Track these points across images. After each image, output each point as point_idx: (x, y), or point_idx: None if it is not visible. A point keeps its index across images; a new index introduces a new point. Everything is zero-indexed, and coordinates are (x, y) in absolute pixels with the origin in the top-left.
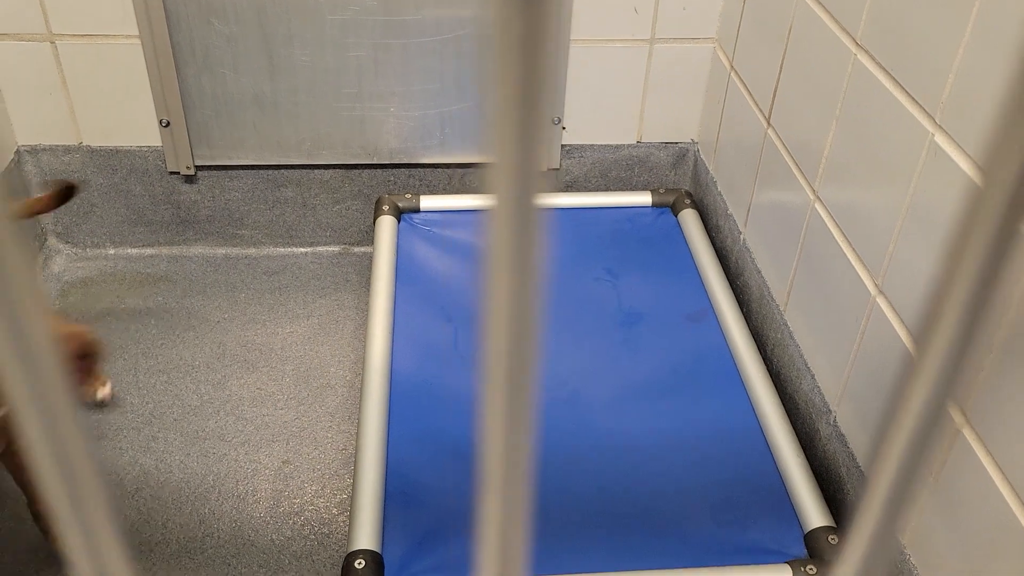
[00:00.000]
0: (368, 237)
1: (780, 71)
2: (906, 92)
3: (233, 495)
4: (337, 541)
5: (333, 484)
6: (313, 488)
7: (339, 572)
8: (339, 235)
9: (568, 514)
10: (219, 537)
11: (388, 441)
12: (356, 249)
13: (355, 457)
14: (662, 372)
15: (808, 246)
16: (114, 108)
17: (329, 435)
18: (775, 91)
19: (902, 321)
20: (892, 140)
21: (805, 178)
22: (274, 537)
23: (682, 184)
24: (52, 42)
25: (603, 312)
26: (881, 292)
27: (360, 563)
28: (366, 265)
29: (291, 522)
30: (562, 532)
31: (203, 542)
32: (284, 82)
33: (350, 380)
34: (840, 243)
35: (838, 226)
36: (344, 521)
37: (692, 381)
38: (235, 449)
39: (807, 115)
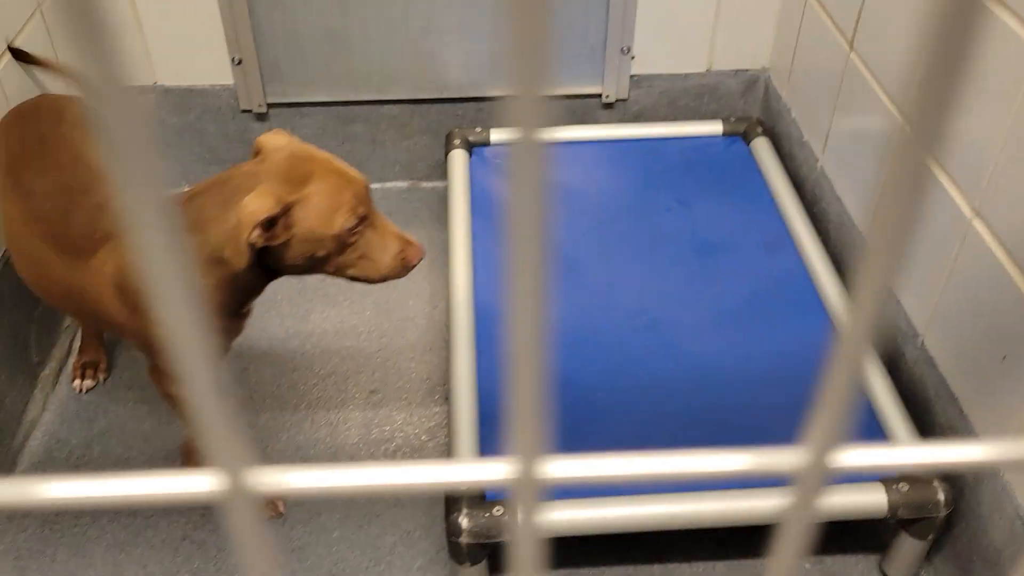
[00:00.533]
0: (436, 172)
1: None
2: (1010, 9)
3: (326, 423)
4: None
5: (420, 412)
6: (402, 416)
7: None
8: (407, 170)
9: (654, 438)
10: (314, 463)
11: (478, 369)
12: (424, 184)
13: (449, 385)
14: (741, 299)
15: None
16: (187, 47)
17: (413, 365)
18: (859, 13)
19: (1002, 244)
20: (994, 57)
21: (894, 102)
22: (368, 462)
23: (752, 112)
24: None
25: (677, 242)
26: (978, 215)
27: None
28: (435, 200)
29: (383, 448)
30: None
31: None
32: (355, 16)
33: (428, 312)
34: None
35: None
36: (434, 447)
37: (772, 307)
38: (323, 380)
39: (897, 36)
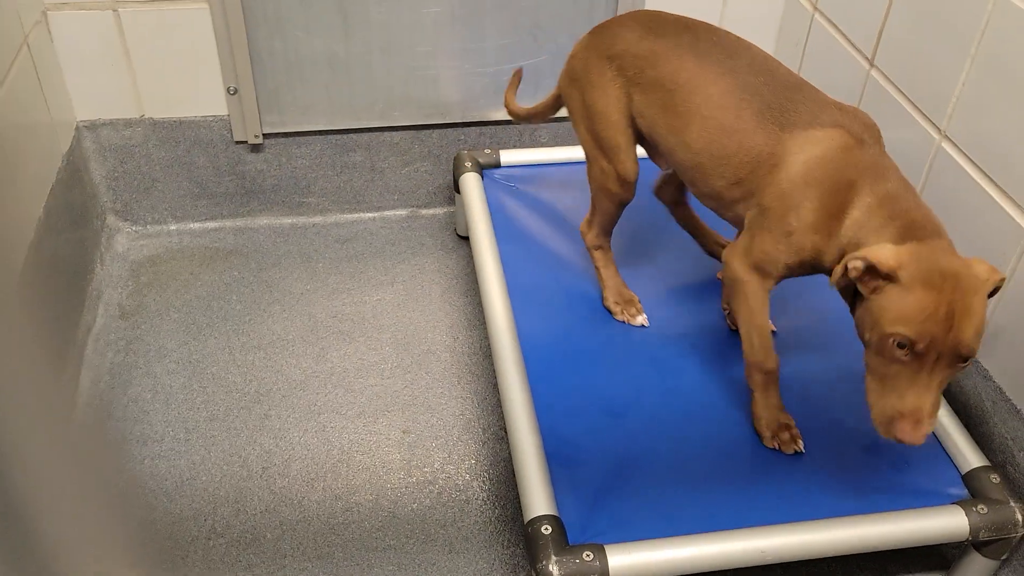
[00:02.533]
0: (436, 199)
1: (888, 8)
2: None
3: (363, 468)
4: (478, 508)
5: (459, 450)
6: (441, 455)
7: (507, 538)
8: (406, 198)
9: (720, 469)
10: (359, 511)
11: (535, 403)
12: (424, 211)
13: (507, 422)
14: (796, 321)
15: (934, 186)
16: (178, 77)
17: (443, 401)
18: (881, 30)
19: None
20: None
21: (928, 118)
22: (414, 507)
23: None
24: (115, 10)
25: (694, 252)
26: None
27: (547, 528)
28: (437, 228)
29: (427, 491)
30: (716, 487)
31: (345, 516)
32: (358, 42)
33: (450, 344)
34: (979, 180)
35: (976, 164)
36: (480, 487)
37: (823, 325)
38: (352, 422)
39: (928, 51)
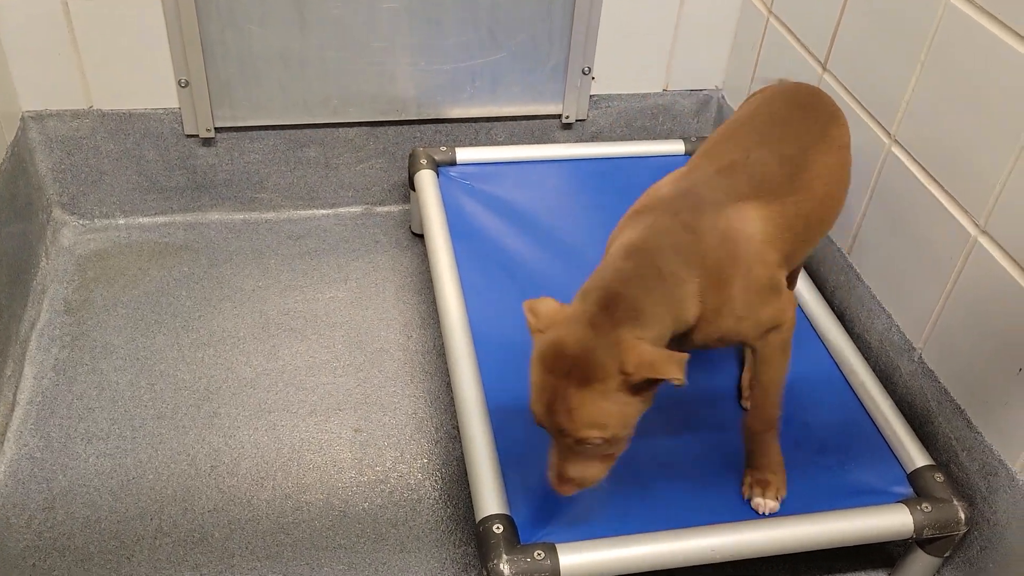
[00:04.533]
0: (391, 196)
1: (841, 13)
2: (1011, 30)
3: (314, 466)
4: (429, 507)
5: (412, 449)
6: (393, 454)
7: (458, 537)
8: (361, 195)
9: (669, 470)
10: (310, 510)
11: (488, 402)
12: (379, 209)
13: (459, 422)
14: None
15: (883, 191)
16: (128, 68)
17: (395, 400)
18: (834, 35)
19: (1013, 260)
20: (993, 75)
21: (878, 122)
22: (365, 506)
23: (705, 131)
24: None
25: None
26: (985, 232)
27: (498, 527)
28: (392, 225)
29: (379, 489)
30: (665, 488)
31: (295, 515)
32: (313, 37)
33: (403, 343)
34: (928, 185)
35: (924, 169)
36: (432, 486)
37: None
38: (303, 420)
39: (879, 56)
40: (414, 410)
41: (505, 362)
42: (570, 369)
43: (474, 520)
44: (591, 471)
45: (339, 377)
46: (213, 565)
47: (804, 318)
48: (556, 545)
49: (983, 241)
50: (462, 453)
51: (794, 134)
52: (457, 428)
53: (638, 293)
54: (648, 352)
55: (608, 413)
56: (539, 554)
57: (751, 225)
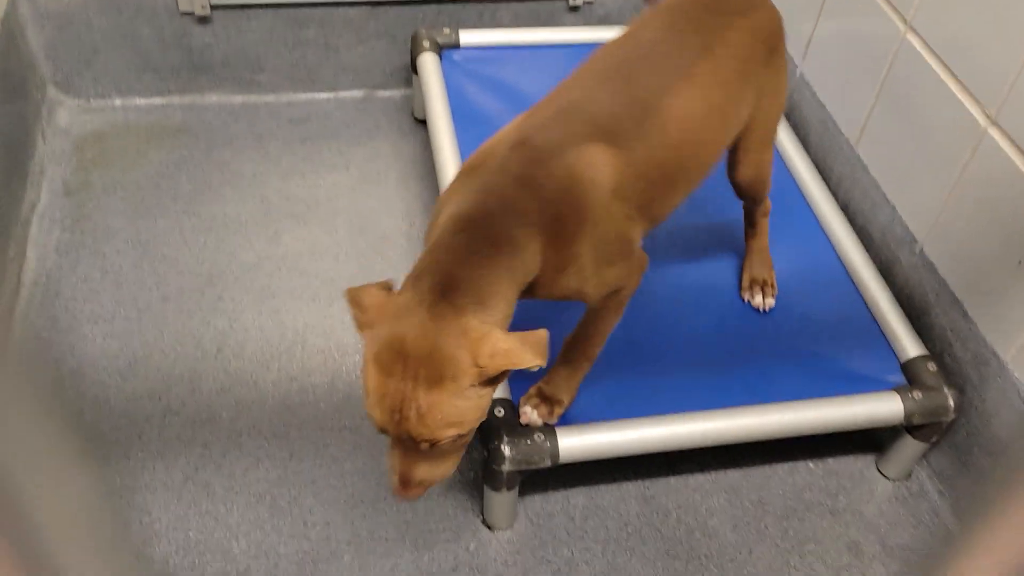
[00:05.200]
0: (393, 80)
1: None
2: None
3: (318, 350)
4: None
5: None
6: None
7: None
8: (362, 78)
9: (664, 356)
10: (315, 392)
11: None
12: (380, 93)
13: None
14: (732, 211)
15: (894, 80)
16: None
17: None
18: None
19: (1022, 151)
20: None
21: (895, 8)
22: None
23: None
24: None
25: None
26: (995, 123)
27: (500, 411)
28: (393, 110)
29: None
30: (660, 373)
31: (300, 397)
32: None
33: (406, 230)
34: (940, 74)
35: (938, 57)
36: None
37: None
38: (307, 305)
39: None
40: None
41: None
42: (416, 370)
43: None
44: (441, 468)
45: (341, 263)
46: (221, 444)
47: (807, 208)
48: (556, 428)
49: (993, 133)
50: None
51: (674, 52)
52: None
53: (477, 272)
54: (501, 340)
55: (465, 410)
56: (539, 437)
57: (597, 172)
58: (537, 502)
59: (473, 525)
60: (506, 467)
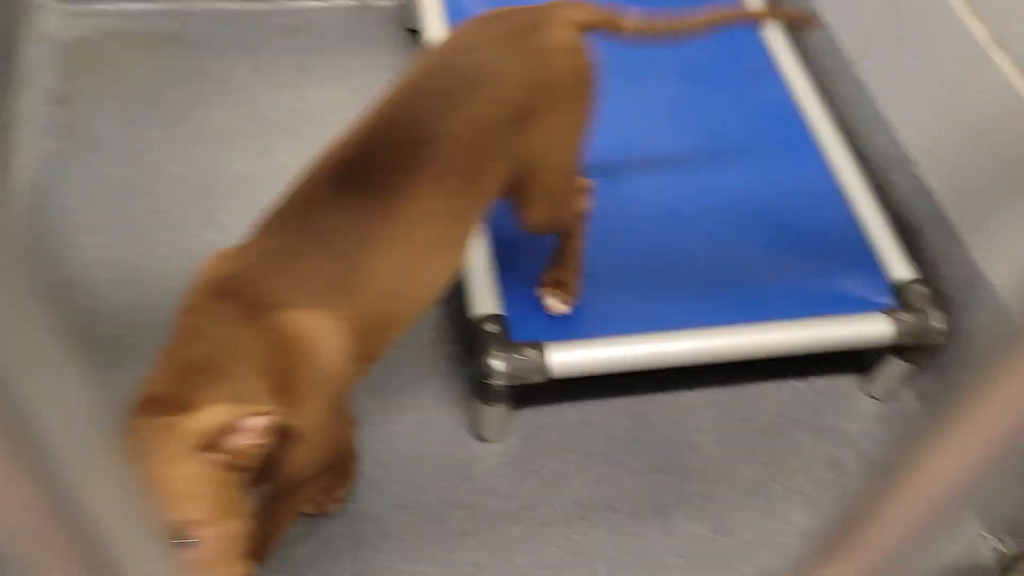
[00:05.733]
0: None
1: None
2: None
3: None
4: None
5: None
6: None
7: (450, 335)
8: None
9: (655, 274)
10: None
11: None
12: (375, 3)
13: None
14: (727, 130)
15: None
16: None
17: None
18: None
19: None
20: None
21: None
22: None
23: None
24: None
25: (657, 68)
26: (1000, 44)
27: (491, 326)
28: (388, 21)
29: None
30: (651, 292)
31: None
32: None
33: None
34: None
35: None
36: None
37: (759, 137)
38: None
39: None
40: None
41: None
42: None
43: (467, 319)
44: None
45: None
46: None
47: (804, 128)
48: (546, 344)
49: (995, 55)
50: None
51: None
52: None
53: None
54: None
55: (182, 490)
56: (530, 352)
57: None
58: (528, 416)
59: (464, 438)
60: (497, 382)
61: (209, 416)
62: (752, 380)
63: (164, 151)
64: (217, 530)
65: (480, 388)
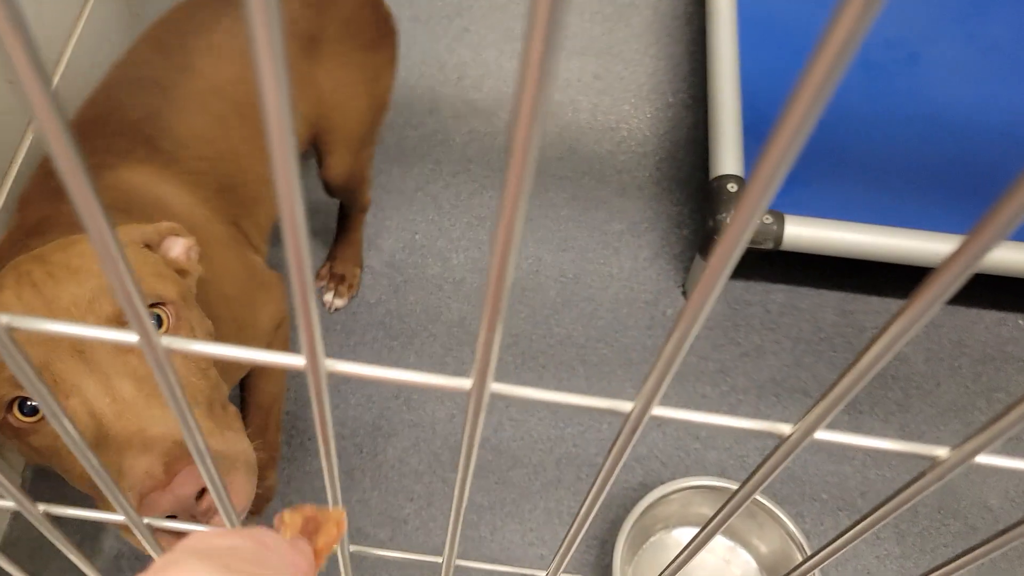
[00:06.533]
0: None
1: None
2: None
3: (552, 101)
4: (655, 163)
5: (646, 107)
6: (627, 107)
7: (676, 196)
8: None
9: (907, 174)
10: (545, 138)
11: (741, 73)
12: None
13: (708, 85)
14: (1010, 40)
15: None
16: None
17: (638, 56)
18: None
19: None
20: None
21: None
22: (594, 148)
23: None
24: None
25: None
26: None
27: (732, 186)
28: None
29: (609, 136)
30: (906, 189)
31: None
32: None
33: (654, 3)
34: None
35: None
36: (658, 144)
37: None
38: None
39: None
40: (654, 70)
41: (769, 39)
42: None
43: (704, 178)
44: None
45: (586, 23)
46: (452, 164)
47: None
48: (785, 215)
49: None
50: (693, 121)
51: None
52: (692, 98)
53: None
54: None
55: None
56: (768, 219)
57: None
58: (738, 288)
59: (673, 292)
60: None
61: (140, 227)
62: (974, 305)
63: None
64: (180, 313)
65: (706, 244)
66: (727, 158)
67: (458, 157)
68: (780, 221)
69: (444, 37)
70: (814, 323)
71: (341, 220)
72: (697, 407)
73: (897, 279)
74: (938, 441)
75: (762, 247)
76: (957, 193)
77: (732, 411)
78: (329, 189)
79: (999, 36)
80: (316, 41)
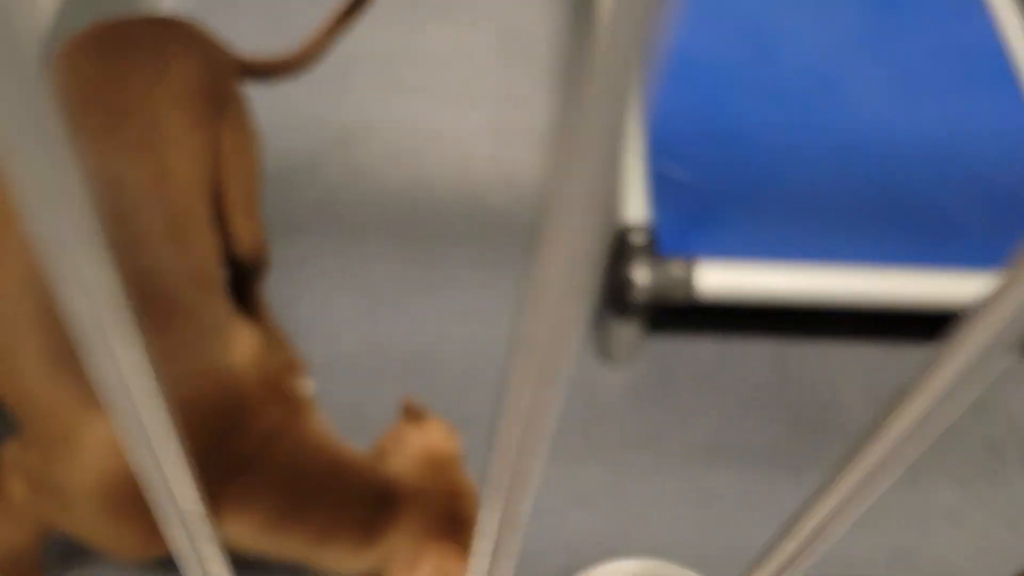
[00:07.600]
0: None
1: None
2: None
3: (448, 154)
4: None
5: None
6: (529, 155)
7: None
8: None
9: (826, 206)
10: (442, 198)
11: (647, 116)
12: None
13: None
14: (924, 63)
15: None
16: None
17: (539, 101)
18: None
19: None
20: None
21: None
22: (498, 202)
23: None
24: None
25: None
26: None
27: (637, 237)
28: None
29: (513, 188)
30: (818, 223)
31: (427, 202)
32: None
33: (555, 44)
34: None
35: None
36: None
37: (958, 74)
38: (440, 106)
39: None
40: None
41: (679, 78)
42: None
43: (614, 228)
44: None
45: (482, 68)
46: (344, 235)
47: (1010, 72)
48: (695, 260)
49: None
50: None
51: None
52: None
53: None
54: None
55: None
56: (677, 267)
57: None
58: (660, 345)
59: (588, 357)
60: (637, 296)
61: None
62: (910, 341)
63: (303, 18)
64: None
65: (616, 301)
66: (632, 204)
67: (349, 225)
68: (690, 269)
69: (326, 96)
70: (747, 377)
71: (248, 303)
72: (626, 476)
73: (832, 321)
74: (884, 495)
75: (673, 300)
76: (882, 221)
77: (663, 480)
78: (242, 265)
79: (913, 60)
80: (220, 95)
